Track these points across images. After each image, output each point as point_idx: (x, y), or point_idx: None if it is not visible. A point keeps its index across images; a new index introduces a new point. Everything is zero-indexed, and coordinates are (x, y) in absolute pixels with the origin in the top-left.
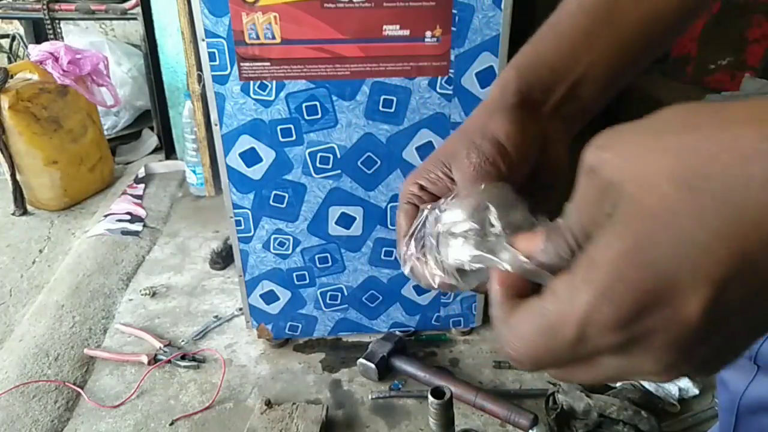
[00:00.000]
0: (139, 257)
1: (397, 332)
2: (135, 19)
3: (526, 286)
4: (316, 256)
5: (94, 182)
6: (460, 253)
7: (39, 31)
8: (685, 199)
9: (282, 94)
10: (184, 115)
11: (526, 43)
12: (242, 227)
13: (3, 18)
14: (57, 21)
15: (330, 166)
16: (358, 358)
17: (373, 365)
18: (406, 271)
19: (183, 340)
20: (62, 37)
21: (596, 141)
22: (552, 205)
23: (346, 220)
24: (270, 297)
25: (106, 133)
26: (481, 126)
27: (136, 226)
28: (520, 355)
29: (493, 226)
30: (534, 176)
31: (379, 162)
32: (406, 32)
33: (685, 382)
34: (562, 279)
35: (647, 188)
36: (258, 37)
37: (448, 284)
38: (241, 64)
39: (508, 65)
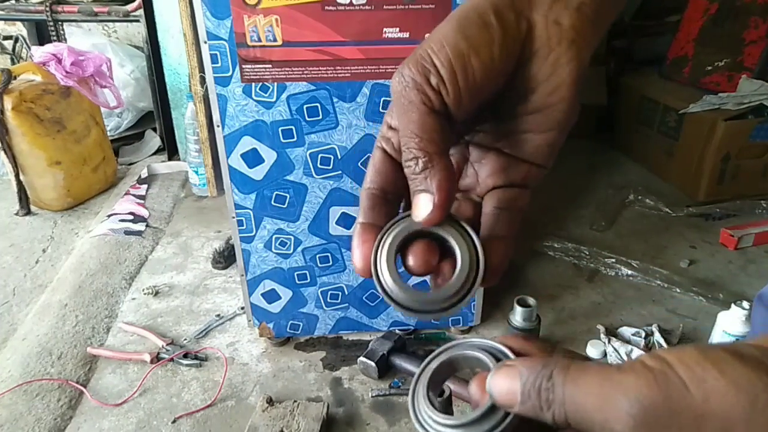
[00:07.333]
0: (141, 257)
1: (397, 331)
2: (137, 21)
3: None
4: (317, 256)
5: (97, 183)
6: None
7: (42, 33)
8: None
9: (283, 96)
10: (186, 117)
11: None
12: (244, 227)
13: (6, 19)
14: (60, 23)
15: (330, 167)
16: (359, 356)
17: (373, 363)
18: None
19: (185, 339)
20: (65, 39)
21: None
22: (533, 147)
23: (346, 220)
24: (271, 296)
25: (109, 134)
26: (440, 38)
27: (139, 226)
28: None
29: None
30: (512, 96)
31: None
32: (406, 35)
33: None
34: None
35: None
36: (259, 40)
37: None
38: (243, 66)
39: None
